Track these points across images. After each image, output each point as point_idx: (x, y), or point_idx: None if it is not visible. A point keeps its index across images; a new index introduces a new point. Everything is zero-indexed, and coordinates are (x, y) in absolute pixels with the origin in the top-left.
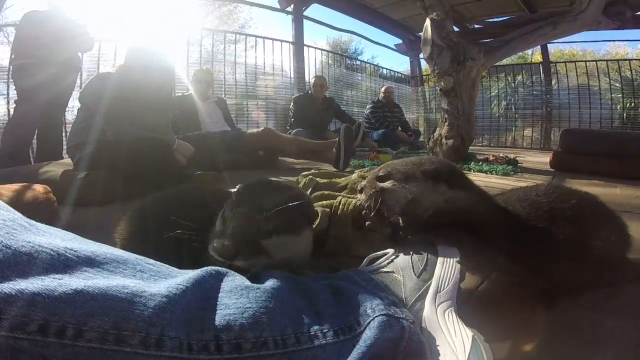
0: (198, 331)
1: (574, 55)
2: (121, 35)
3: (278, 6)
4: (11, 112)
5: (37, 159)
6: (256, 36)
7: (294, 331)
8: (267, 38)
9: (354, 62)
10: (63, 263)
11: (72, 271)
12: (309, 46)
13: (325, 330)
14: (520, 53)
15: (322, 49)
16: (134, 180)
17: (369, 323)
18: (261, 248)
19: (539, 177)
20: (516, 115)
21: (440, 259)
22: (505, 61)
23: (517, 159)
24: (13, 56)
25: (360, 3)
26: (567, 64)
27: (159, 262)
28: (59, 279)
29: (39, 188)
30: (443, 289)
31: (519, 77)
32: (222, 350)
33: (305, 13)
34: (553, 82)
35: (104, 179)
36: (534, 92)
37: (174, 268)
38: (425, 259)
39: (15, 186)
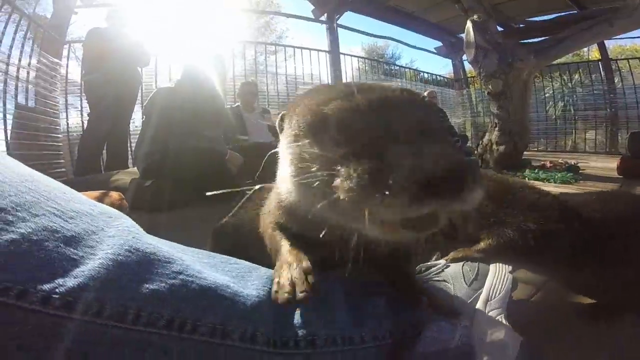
0: (281, 328)
1: (637, 50)
2: (175, 51)
3: (312, 16)
4: (84, 124)
5: (106, 168)
6: (294, 47)
7: (358, 331)
8: (304, 48)
9: (392, 68)
10: (177, 264)
11: (185, 271)
12: (344, 54)
13: (384, 332)
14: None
15: (357, 56)
16: (193, 187)
17: (421, 327)
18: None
19: (604, 185)
20: (576, 117)
21: (492, 269)
22: (558, 60)
23: (579, 164)
24: (83, 72)
25: (394, 8)
26: (629, 60)
27: (236, 259)
28: (180, 279)
29: (114, 195)
30: (494, 298)
31: (576, 76)
32: (299, 345)
33: (339, 21)
34: (616, 80)
35: (168, 186)
36: (595, 92)
37: (247, 262)
38: (476, 269)
39: (95, 193)
